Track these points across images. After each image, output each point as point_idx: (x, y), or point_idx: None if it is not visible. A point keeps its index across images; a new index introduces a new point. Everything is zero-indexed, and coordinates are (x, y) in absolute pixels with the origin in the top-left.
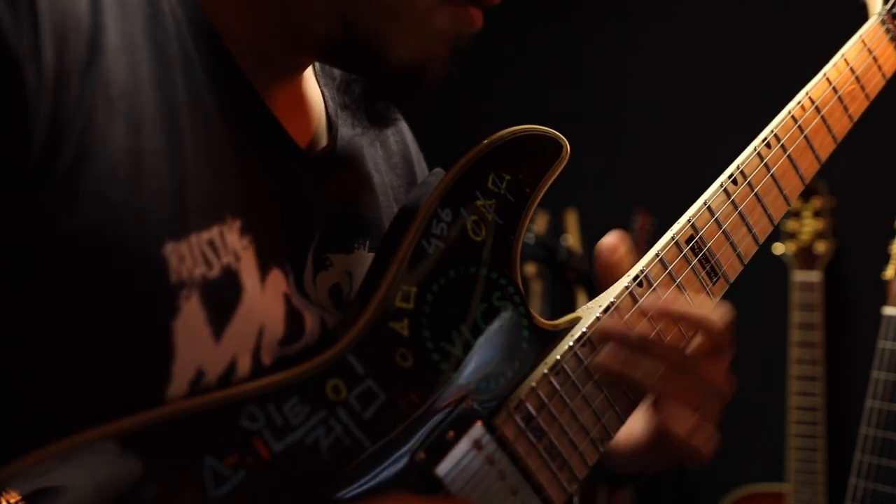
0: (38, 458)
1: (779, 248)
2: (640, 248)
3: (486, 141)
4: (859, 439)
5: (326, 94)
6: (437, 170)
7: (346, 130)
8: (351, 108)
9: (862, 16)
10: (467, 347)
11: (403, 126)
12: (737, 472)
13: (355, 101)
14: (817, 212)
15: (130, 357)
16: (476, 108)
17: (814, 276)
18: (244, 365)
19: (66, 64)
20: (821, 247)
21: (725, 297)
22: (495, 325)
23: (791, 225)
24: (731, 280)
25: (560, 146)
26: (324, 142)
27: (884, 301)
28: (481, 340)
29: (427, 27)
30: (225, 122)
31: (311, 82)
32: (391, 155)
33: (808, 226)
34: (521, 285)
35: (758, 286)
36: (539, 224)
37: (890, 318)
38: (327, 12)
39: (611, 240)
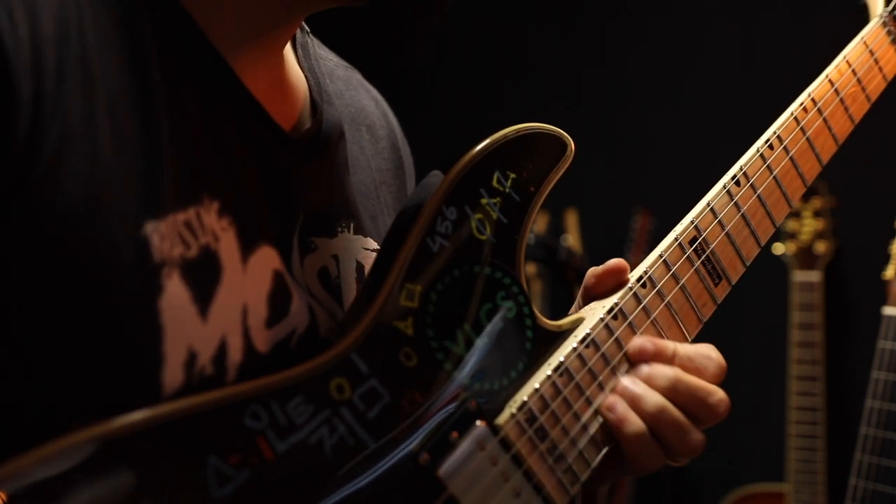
0: (30, 459)
1: (779, 248)
2: (640, 249)
3: (490, 139)
4: (859, 439)
5: (309, 76)
6: (436, 172)
7: (330, 112)
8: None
9: (863, 17)
10: (471, 347)
11: (388, 110)
12: (737, 472)
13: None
14: (817, 212)
15: (120, 340)
16: (477, 108)
17: (814, 276)
18: (235, 346)
19: (39, 38)
20: (821, 247)
21: (726, 296)
22: (499, 325)
23: (791, 225)
24: (734, 281)
25: (565, 145)
26: (308, 124)
27: (884, 301)
28: (485, 340)
29: None
30: (202, 104)
31: (293, 66)
32: (378, 139)
33: (808, 226)
34: (525, 285)
35: (758, 286)
36: (539, 224)
37: (890, 318)
38: None
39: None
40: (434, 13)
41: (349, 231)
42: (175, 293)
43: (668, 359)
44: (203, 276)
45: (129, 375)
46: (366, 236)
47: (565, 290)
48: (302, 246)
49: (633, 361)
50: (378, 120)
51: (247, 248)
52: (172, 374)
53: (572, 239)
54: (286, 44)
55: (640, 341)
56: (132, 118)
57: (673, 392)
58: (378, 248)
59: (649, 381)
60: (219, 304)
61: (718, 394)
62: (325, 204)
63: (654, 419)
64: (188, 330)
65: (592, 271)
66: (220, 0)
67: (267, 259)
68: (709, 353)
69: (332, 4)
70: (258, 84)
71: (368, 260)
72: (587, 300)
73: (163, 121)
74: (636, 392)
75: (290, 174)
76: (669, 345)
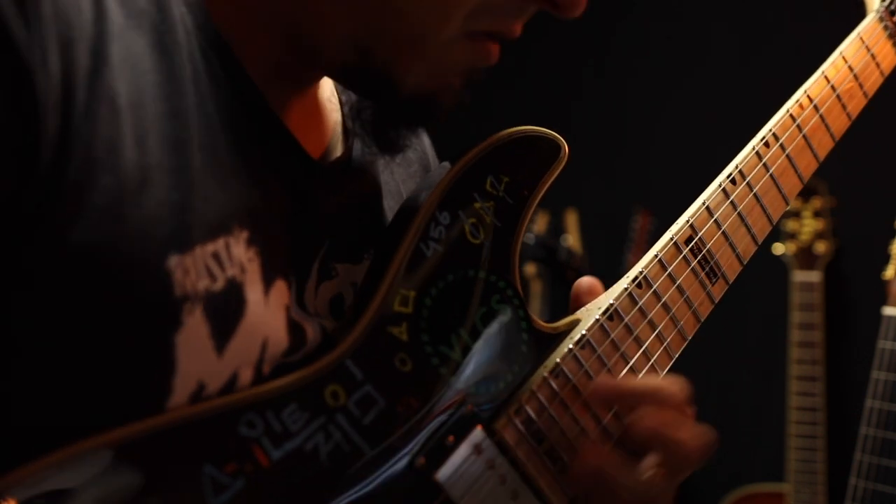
0: (34, 468)
1: (779, 248)
2: (640, 249)
3: (483, 143)
4: (859, 439)
5: (344, 101)
6: (444, 164)
7: (363, 139)
8: (361, 135)
9: (860, 13)
10: (466, 351)
11: (423, 135)
12: (737, 472)
13: (367, 126)
14: (817, 212)
15: (131, 371)
16: (477, 108)
17: (814, 276)
18: (245, 377)
19: (72, 73)
20: (821, 247)
21: (726, 297)
22: (494, 329)
23: (791, 225)
24: (731, 280)
25: (558, 147)
26: (339, 151)
27: (884, 301)
28: (480, 344)
29: (444, 59)
30: (233, 133)
31: (328, 90)
32: (410, 164)
33: (808, 226)
34: (519, 288)
35: (758, 286)
36: (539, 224)
37: (890, 318)
38: (342, 38)
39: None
40: (427, 123)
41: None
42: (194, 329)
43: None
44: (226, 310)
45: (135, 402)
46: None
47: (565, 290)
48: (321, 272)
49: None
50: (412, 144)
51: (269, 280)
52: (177, 402)
53: (572, 239)
54: (318, 81)
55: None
56: (161, 147)
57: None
58: None
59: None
60: (238, 338)
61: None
62: (354, 231)
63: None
64: (201, 365)
65: (575, 285)
66: (250, 38)
67: (281, 293)
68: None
69: (350, 89)
70: (290, 113)
71: None
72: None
73: (194, 148)
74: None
75: (318, 203)
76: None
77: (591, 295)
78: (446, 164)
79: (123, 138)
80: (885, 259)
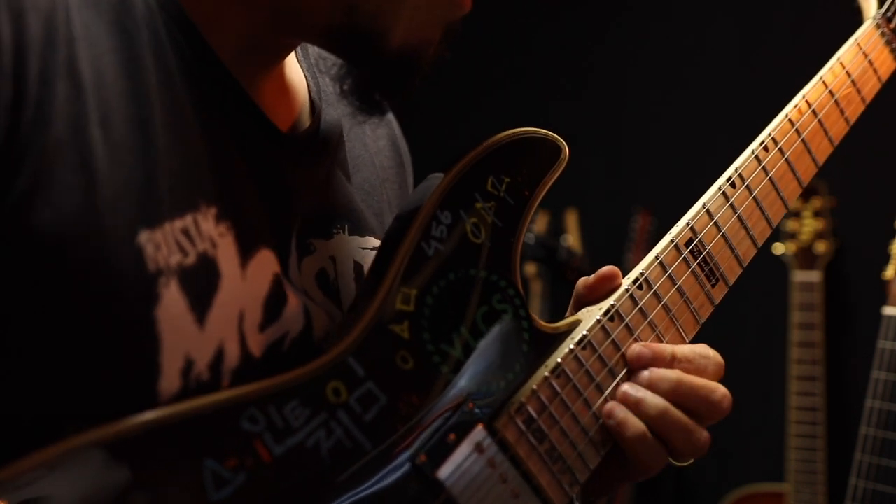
0: (27, 465)
1: (779, 248)
2: (640, 249)
3: (484, 143)
4: (859, 439)
5: (308, 76)
6: (436, 174)
7: (329, 113)
8: (350, 98)
9: (857, 19)
10: (468, 350)
11: (392, 121)
12: (737, 472)
13: (353, 91)
14: (817, 212)
15: (117, 350)
16: (476, 109)
17: (814, 276)
18: (231, 351)
19: (24, 42)
20: (821, 247)
21: (726, 296)
22: (495, 328)
23: (791, 225)
24: (731, 283)
25: (559, 149)
26: (306, 125)
27: (884, 301)
28: (482, 343)
29: (424, 11)
30: (199, 108)
31: (293, 65)
32: (378, 137)
33: (808, 226)
34: (521, 288)
35: (758, 286)
36: (539, 224)
37: (890, 318)
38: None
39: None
40: (412, 82)
41: (344, 232)
42: (172, 302)
43: (667, 362)
44: (201, 283)
45: (126, 385)
46: (363, 235)
47: (565, 290)
48: (300, 248)
49: (632, 368)
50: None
51: (246, 252)
52: (169, 382)
53: (572, 239)
54: (288, 55)
55: (637, 348)
56: (126, 125)
57: (676, 394)
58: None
59: (651, 386)
60: (216, 310)
61: (720, 390)
62: (323, 205)
63: (657, 422)
64: (185, 338)
65: (583, 280)
66: (220, 14)
67: (266, 262)
68: (706, 353)
69: (333, 53)
70: (257, 87)
71: (369, 259)
72: (579, 308)
73: (158, 126)
74: (637, 397)
75: (287, 176)
76: (667, 348)
77: (614, 279)
78: (438, 175)
79: (90, 116)
80: (885, 259)
